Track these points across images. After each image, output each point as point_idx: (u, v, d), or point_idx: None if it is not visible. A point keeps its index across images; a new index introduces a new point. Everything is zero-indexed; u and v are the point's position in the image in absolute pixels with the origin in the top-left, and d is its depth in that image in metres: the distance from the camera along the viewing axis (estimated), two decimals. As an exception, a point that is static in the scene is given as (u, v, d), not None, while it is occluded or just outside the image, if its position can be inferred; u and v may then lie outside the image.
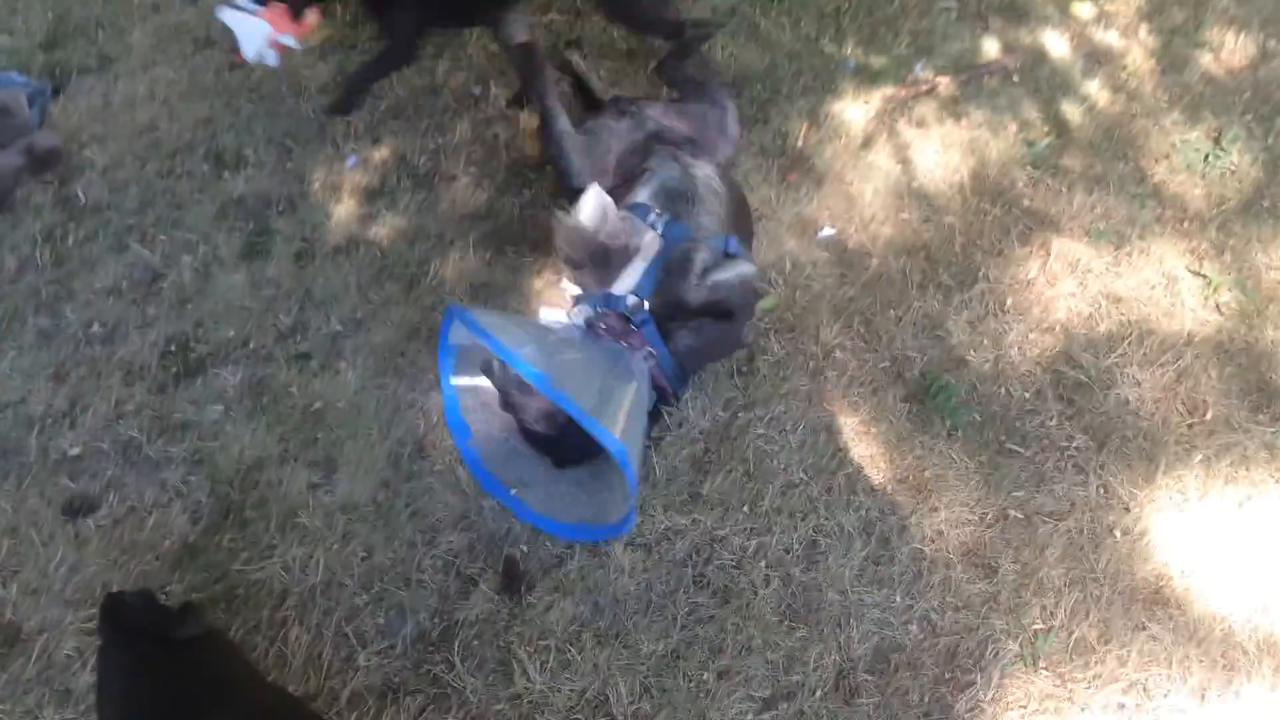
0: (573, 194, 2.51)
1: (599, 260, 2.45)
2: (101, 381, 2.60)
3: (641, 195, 2.56)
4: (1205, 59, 3.46)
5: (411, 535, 2.34)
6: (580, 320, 2.44)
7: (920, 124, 3.23)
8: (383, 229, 2.93)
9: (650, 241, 2.45)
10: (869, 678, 2.16)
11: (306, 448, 2.48)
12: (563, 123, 2.71)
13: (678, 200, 2.53)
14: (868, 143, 3.17)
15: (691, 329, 2.44)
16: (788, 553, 2.32)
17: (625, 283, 2.43)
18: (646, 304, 2.39)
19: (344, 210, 2.97)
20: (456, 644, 2.18)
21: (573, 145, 2.70)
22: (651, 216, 2.48)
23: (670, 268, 2.42)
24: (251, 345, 2.68)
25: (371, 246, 2.88)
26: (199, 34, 3.49)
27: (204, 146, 3.13)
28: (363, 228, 2.93)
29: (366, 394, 2.57)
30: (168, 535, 2.33)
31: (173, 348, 2.68)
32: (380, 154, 3.11)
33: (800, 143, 3.15)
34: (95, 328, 2.72)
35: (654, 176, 2.60)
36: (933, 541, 2.35)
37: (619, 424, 2.09)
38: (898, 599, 2.27)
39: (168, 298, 2.77)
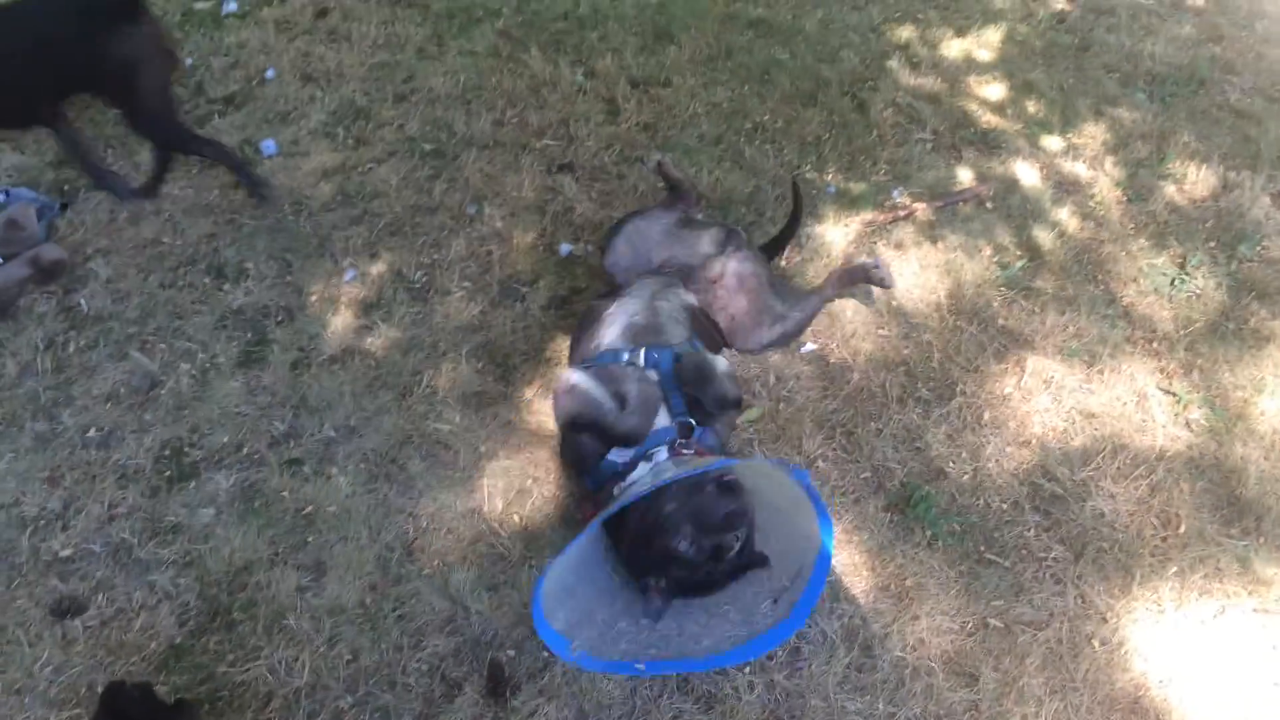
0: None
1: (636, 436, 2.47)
2: (96, 485, 2.63)
3: (609, 337, 2.64)
4: (1169, 189, 3.63)
5: (398, 638, 2.35)
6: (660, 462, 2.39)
7: (899, 246, 3.37)
8: (377, 340, 3.01)
9: (653, 388, 2.50)
10: (852, 786, 2.16)
11: (296, 551, 2.51)
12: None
13: (645, 333, 2.63)
14: (848, 263, 3.29)
15: (725, 420, 2.55)
16: (770, 659, 2.34)
17: (662, 420, 2.47)
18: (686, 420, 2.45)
19: (340, 321, 3.06)
20: (440, 748, 2.18)
21: None
22: (625, 356, 2.55)
23: (688, 379, 2.50)
24: (245, 450, 2.72)
25: (366, 356, 2.96)
26: (206, 154, 3.63)
27: (206, 260, 3.23)
28: (358, 338, 3.01)
29: (357, 499, 2.61)
30: (154, 637, 2.34)
31: (167, 452, 2.72)
32: (377, 268, 3.22)
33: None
34: (92, 432, 2.76)
35: (620, 315, 2.69)
36: (914, 649, 2.38)
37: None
38: (880, 707, 2.28)
39: (165, 404, 2.83)
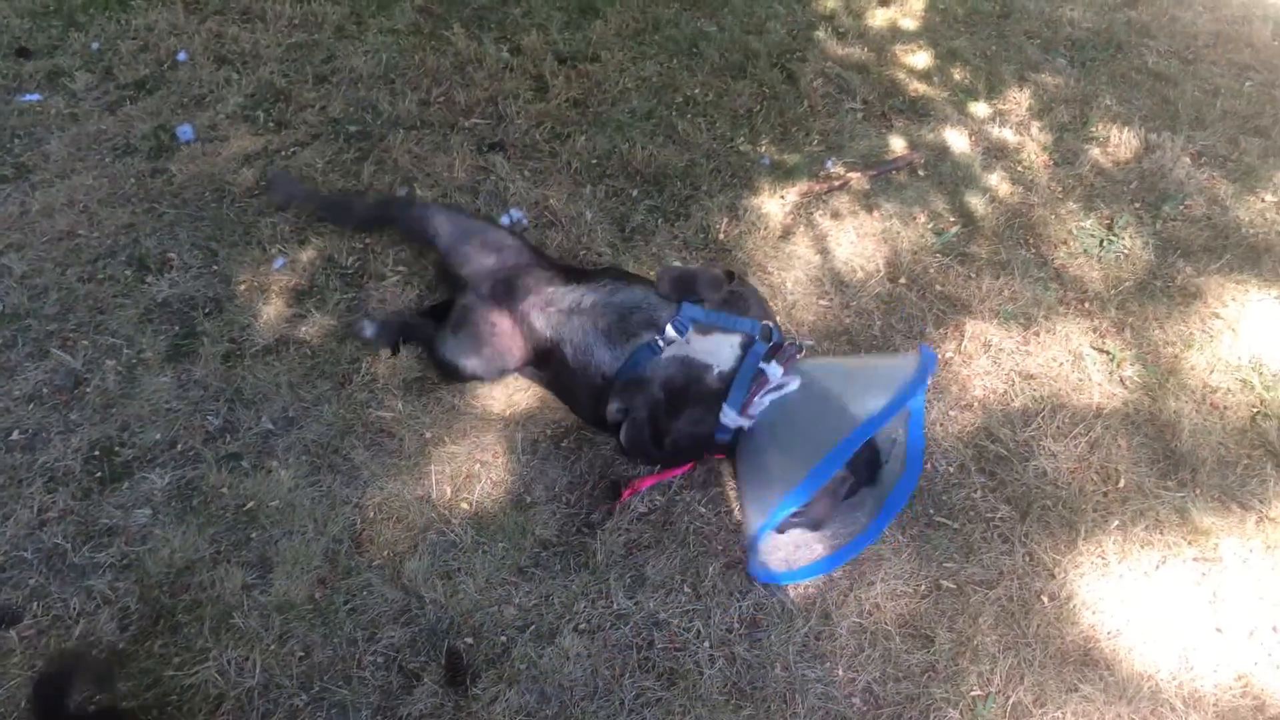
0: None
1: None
2: (23, 489, 2.52)
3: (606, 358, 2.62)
4: (1094, 152, 3.70)
5: (351, 632, 2.30)
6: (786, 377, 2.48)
7: (835, 216, 3.38)
8: (312, 328, 2.93)
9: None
10: (817, 753, 2.18)
11: (239, 548, 2.43)
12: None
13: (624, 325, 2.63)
14: (786, 234, 3.30)
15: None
16: (730, 632, 2.35)
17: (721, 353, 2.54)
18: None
19: (272, 311, 2.97)
20: (401, 741, 2.14)
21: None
22: (659, 341, 2.55)
23: (686, 293, 2.62)
24: (179, 447, 2.63)
25: (301, 346, 2.88)
26: (118, 142, 3.49)
27: (126, 252, 3.11)
28: (291, 327, 2.93)
29: (300, 492, 2.54)
30: (95, 644, 2.25)
31: (97, 453, 2.62)
32: (308, 255, 3.13)
33: (722, 235, 3.26)
34: (15, 435, 2.64)
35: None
36: (871, 615, 2.40)
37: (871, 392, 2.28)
38: (840, 672, 2.30)
39: (91, 403, 2.72)
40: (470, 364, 2.71)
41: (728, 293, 2.64)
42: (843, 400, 2.37)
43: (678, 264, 3.05)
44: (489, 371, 2.74)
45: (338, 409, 2.73)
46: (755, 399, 2.43)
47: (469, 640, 2.30)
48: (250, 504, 2.52)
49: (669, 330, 2.51)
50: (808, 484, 2.12)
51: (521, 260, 2.81)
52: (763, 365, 2.46)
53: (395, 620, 2.33)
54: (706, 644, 2.32)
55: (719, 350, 2.51)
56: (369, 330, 2.87)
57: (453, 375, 2.77)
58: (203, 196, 3.32)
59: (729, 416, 2.45)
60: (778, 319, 2.75)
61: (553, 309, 2.66)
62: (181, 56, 3.90)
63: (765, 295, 3.06)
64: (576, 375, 2.61)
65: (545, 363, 2.70)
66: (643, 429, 2.47)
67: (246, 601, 2.33)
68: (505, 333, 2.70)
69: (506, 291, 2.72)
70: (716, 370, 2.49)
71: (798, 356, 2.51)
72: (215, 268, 3.09)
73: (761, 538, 2.28)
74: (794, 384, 2.43)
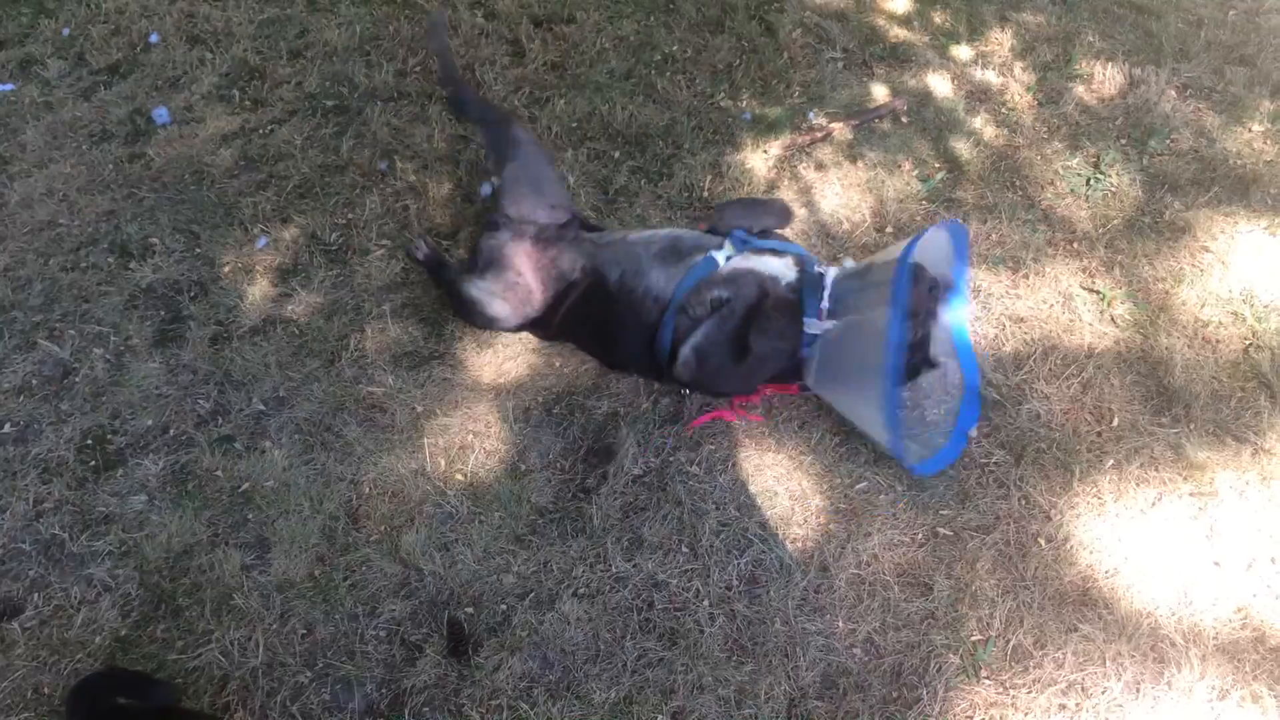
0: None
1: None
2: (18, 481, 2.53)
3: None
4: (1078, 90, 3.66)
5: (352, 607, 2.31)
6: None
7: (820, 168, 3.35)
8: (299, 307, 2.92)
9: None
10: (819, 704, 2.20)
11: (237, 529, 2.44)
12: None
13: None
14: (771, 189, 3.27)
15: None
16: (729, 589, 2.36)
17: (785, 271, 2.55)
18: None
19: (258, 291, 2.96)
20: (407, 712, 2.16)
21: None
22: (717, 255, 2.57)
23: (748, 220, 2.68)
24: (172, 432, 2.64)
25: (288, 325, 2.87)
26: (94, 128, 3.46)
27: (108, 239, 3.09)
28: (278, 307, 2.92)
29: (295, 471, 2.55)
30: (98, 631, 2.27)
31: (90, 442, 2.62)
32: (290, 233, 3.11)
33: (706, 193, 3.23)
34: (7, 428, 2.65)
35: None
36: (869, 565, 2.41)
37: None
38: (840, 624, 2.31)
39: (81, 392, 2.71)
40: (497, 307, 2.67)
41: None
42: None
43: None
44: (512, 316, 2.69)
45: (328, 386, 2.73)
46: (825, 305, 2.45)
47: (469, 610, 2.32)
48: (245, 485, 2.53)
49: (726, 246, 2.54)
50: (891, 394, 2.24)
51: (569, 228, 2.76)
52: (823, 270, 2.51)
53: (395, 594, 2.34)
54: (706, 603, 2.33)
55: (778, 267, 2.52)
56: (422, 251, 2.89)
57: (476, 317, 2.72)
58: (182, 179, 3.30)
59: (811, 325, 2.44)
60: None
61: (591, 245, 2.65)
62: (154, 38, 3.86)
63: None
64: (622, 304, 2.55)
65: (571, 308, 2.65)
66: (720, 338, 2.45)
67: (246, 582, 2.35)
68: (530, 278, 2.67)
69: (544, 241, 2.69)
70: (784, 282, 2.48)
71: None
72: (198, 250, 3.07)
73: (902, 453, 2.40)
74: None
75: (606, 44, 3.79)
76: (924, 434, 2.63)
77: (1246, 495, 2.55)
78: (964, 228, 2.44)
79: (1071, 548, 2.45)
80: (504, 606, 2.32)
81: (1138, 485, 2.56)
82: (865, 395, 2.40)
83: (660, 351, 2.51)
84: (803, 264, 2.51)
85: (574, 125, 3.44)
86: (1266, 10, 4.07)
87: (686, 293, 2.48)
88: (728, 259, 2.51)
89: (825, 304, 2.43)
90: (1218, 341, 2.87)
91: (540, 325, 2.74)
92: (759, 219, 2.66)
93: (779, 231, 2.76)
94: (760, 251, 2.55)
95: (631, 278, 2.55)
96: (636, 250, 2.59)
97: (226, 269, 3.02)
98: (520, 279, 2.66)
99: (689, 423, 2.65)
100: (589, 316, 2.64)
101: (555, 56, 3.74)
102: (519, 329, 2.78)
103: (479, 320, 2.73)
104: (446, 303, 2.86)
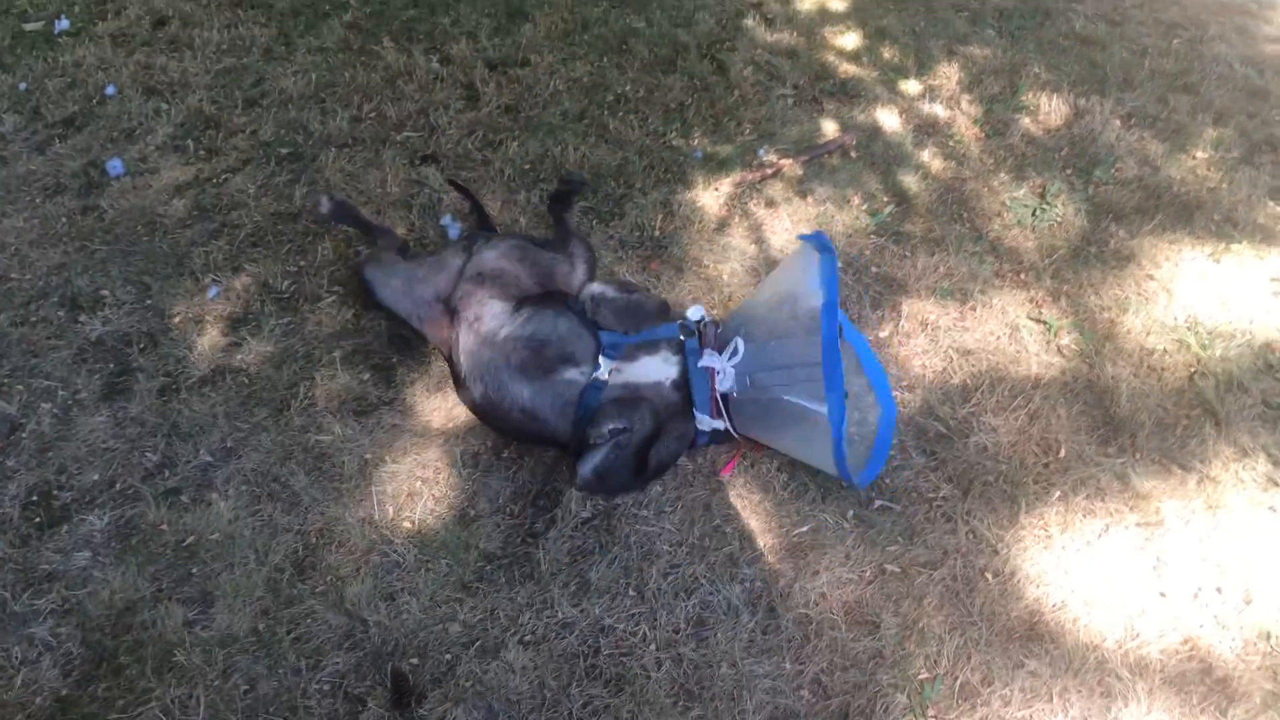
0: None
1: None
2: (-40, 541, 2.51)
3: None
4: (1024, 121, 3.71)
5: (295, 661, 2.29)
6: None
7: (770, 204, 3.38)
8: (249, 356, 2.91)
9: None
10: (766, 748, 2.18)
11: (180, 584, 2.42)
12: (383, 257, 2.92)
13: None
14: (721, 226, 3.29)
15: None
16: (677, 633, 2.35)
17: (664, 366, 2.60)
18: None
19: (207, 341, 2.95)
20: (348, 767, 2.14)
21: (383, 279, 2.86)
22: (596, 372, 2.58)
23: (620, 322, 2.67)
24: (118, 486, 2.62)
25: (238, 374, 2.86)
26: (48, 182, 3.46)
27: (59, 292, 3.08)
28: (227, 356, 2.91)
29: (241, 522, 2.53)
30: (38, 692, 2.24)
31: (35, 498, 2.60)
32: (242, 282, 3.11)
33: (658, 232, 3.25)
34: (-49, 486, 2.63)
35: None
36: (816, 605, 2.40)
37: None
38: (787, 665, 2.30)
39: (27, 447, 2.70)
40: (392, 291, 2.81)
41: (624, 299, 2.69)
42: (788, 314, 2.42)
43: (599, 286, 2.86)
44: (409, 306, 2.80)
45: (276, 436, 2.71)
46: (717, 393, 2.52)
47: (414, 661, 2.30)
48: (190, 539, 2.51)
49: (602, 366, 2.54)
50: (835, 397, 2.22)
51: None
52: (705, 363, 2.52)
53: (339, 646, 2.32)
54: (653, 647, 2.32)
55: (658, 366, 2.56)
56: (325, 206, 2.99)
57: (371, 293, 2.84)
58: (134, 231, 3.29)
59: (705, 422, 2.52)
60: (713, 311, 2.80)
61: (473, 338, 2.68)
62: (110, 90, 3.87)
63: (702, 287, 3.07)
64: (496, 408, 2.60)
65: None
66: (619, 460, 2.47)
67: (189, 638, 2.32)
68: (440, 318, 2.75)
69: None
70: (669, 382, 2.54)
71: (715, 329, 2.60)
72: (149, 302, 3.07)
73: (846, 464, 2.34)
74: (739, 345, 2.49)
75: (560, 86, 3.83)
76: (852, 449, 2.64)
77: (1192, 524, 2.56)
78: (824, 239, 2.39)
79: (1019, 581, 2.45)
80: (449, 656, 2.30)
81: (1084, 516, 2.57)
82: (802, 440, 2.45)
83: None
84: (682, 349, 2.57)
85: (526, 168, 3.46)
86: (1210, 38, 4.14)
87: (586, 418, 2.51)
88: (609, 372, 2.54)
89: (721, 388, 2.52)
90: (1163, 369, 2.89)
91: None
92: (637, 322, 2.65)
93: None
94: (635, 352, 2.58)
95: (495, 390, 2.58)
96: (494, 359, 2.59)
97: (177, 319, 3.02)
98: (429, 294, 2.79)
99: (721, 470, 2.66)
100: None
101: (509, 99, 3.77)
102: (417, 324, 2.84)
103: (373, 294, 2.86)
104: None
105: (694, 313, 2.68)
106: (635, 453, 2.47)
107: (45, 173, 3.53)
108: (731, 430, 2.55)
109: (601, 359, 2.53)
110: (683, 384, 2.53)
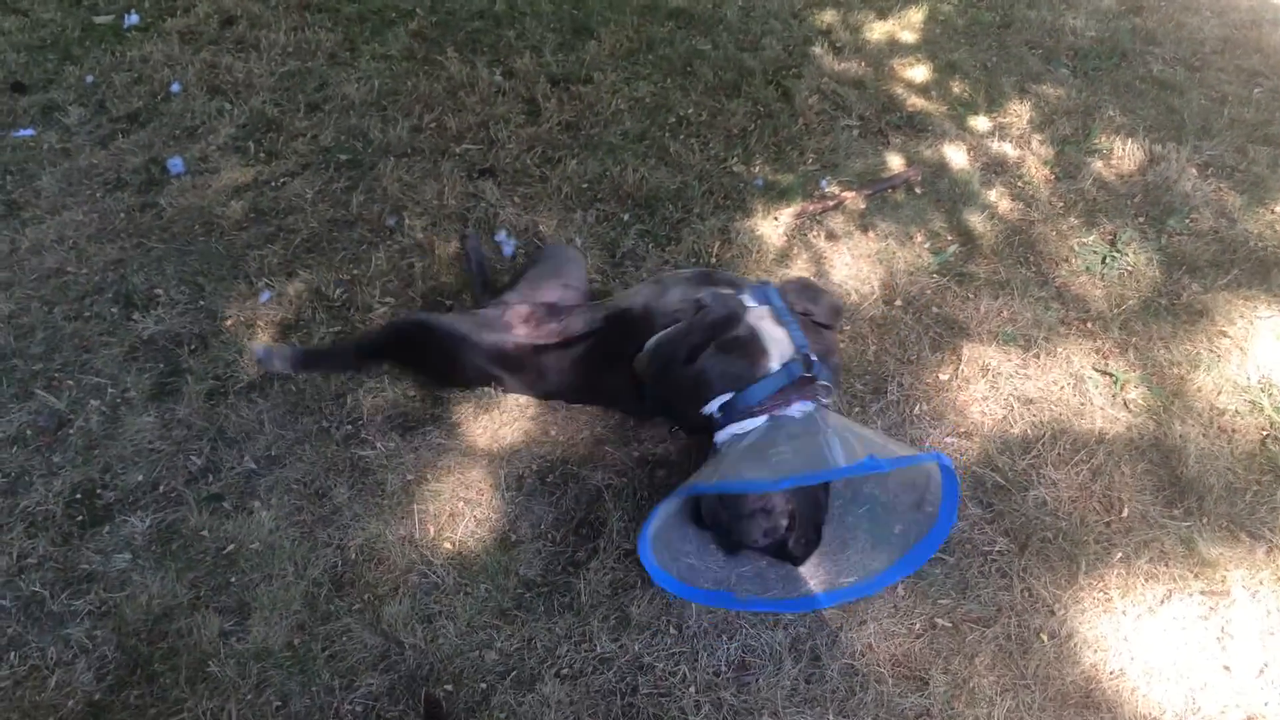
0: None
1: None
2: (3, 535, 2.49)
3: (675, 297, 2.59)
4: (1097, 165, 3.61)
5: (329, 680, 2.25)
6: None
7: (831, 237, 3.32)
8: (298, 363, 2.90)
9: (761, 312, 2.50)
10: (805, 804, 2.11)
11: (218, 593, 2.40)
12: None
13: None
14: (780, 257, 3.23)
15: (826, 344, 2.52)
16: (717, 675, 2.28)
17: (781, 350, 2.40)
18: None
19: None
20: (377, 795, 2.09)
21: None
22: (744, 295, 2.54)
23: (797, 298, 2.55)
24: (161, 489, 2.60)
25: (285, 382, 2.84)
26: (109, 176, 3.49)
27: (114, 288, 3.09)
28: (277, 363, 2.90)
29: (281, 533, 2.50)
30: (71, 694, 2.22)
31: (79, 496, 2.59)
32: (294, 287, 3.10)
33: (715, 259, 3.20)
34: (-2, 478, 2.63)
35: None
36: (863, 656, 2.33)
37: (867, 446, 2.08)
38: (830, 718, 2.23)
39: (74, 444, 2.69)
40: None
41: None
42: (843, 441, 2.17)
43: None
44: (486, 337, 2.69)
45: (321, 447, 2.69)
46: (762, 411, 2.33)
47: (449, 688, 2.25)
48: (230, 547, 2.48)
49: (747, 296, 2.52)
50: (776, 479, 2.10)
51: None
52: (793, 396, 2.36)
53: (374, 667, 2.28)
54: (692, 689, 2.25)
55: (777, 345, 2.40)
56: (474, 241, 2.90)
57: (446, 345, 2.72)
58: (191, 230, 3.30)
59: (742, 402, 2.34)
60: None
61: (608, 302, 2.68)
62: (175, 88, 3.90)
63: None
64: (644, 329, 2.53)
65: (586, 358, 2.64)
66: (680, 337, 2.43)
67: (224, 649, 2.29)
68: (519, 330, 2.69)
69: (550, 312, 2.73)
70: (768, 359, 2.38)
71: (824, 400, 2.39)
72: (202, 303, 3.06)
73: (660, 513, 2.19)
74: (799, 412, 2.32)
75: (622, 105, 3.80)
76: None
77: (1260, 596, 2.45)
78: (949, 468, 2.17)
79: (1075, 645, 2.36)
80: (484, 685, 2.25)
81: (1146, 581, 2.47)
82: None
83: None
84: (792, 361, 2.37)
85: (584, 186, 3.43)
86: (1292, 89, 4.03)
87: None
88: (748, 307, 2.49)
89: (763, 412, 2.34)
90: (1234, 431, 2.79)
91: (534, 377, 2.73)
92: (809, 303, 2.56)
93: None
94: (780, 321, 2.45)
95: (656, 300, 2.55)
96: (664, 279, 2.62)
97: (229, 322, 3.01)
98: (509, 331, 2.68)
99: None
100: (609, 362, 2.62)
101: (570, 116, 3.75)
102: (489, 374, 2.76)
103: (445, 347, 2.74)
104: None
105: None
106: (698, 336, 2.41)
107: (107, 167, 3.55)
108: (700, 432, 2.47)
109: (749, 292, 2.54)
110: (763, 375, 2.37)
